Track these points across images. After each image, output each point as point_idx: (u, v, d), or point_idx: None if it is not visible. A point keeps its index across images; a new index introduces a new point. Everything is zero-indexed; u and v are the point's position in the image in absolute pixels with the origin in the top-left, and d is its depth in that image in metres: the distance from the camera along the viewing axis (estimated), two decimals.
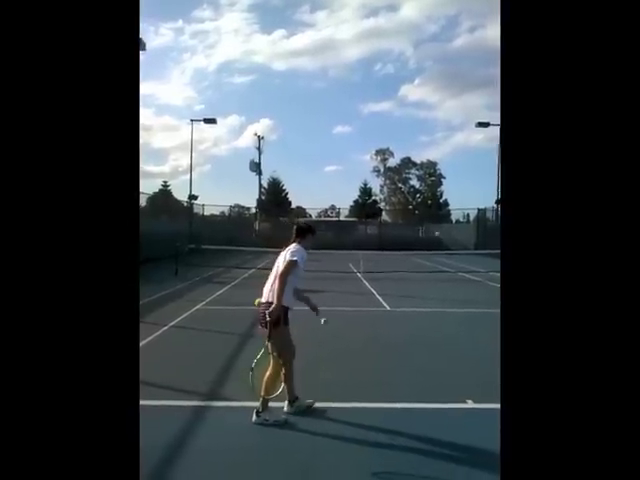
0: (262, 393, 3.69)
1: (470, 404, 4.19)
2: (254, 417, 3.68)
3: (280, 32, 78.62)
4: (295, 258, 3.69)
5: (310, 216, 43.76)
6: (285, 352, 3.75)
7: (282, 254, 3.87)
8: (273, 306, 3.61)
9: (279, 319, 3.64)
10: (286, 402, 3.92)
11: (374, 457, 3.25)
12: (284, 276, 3.65)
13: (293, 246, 3.86)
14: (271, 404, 3.76)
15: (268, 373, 3.74)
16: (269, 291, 3.77)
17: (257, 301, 3.86)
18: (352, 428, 3.67)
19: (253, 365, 3.68)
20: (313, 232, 4.01)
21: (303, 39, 74.14)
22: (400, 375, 5.06)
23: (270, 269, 3.98)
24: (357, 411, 4.00)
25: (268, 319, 3.61)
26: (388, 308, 9.45)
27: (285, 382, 3.79)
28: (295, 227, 4.02)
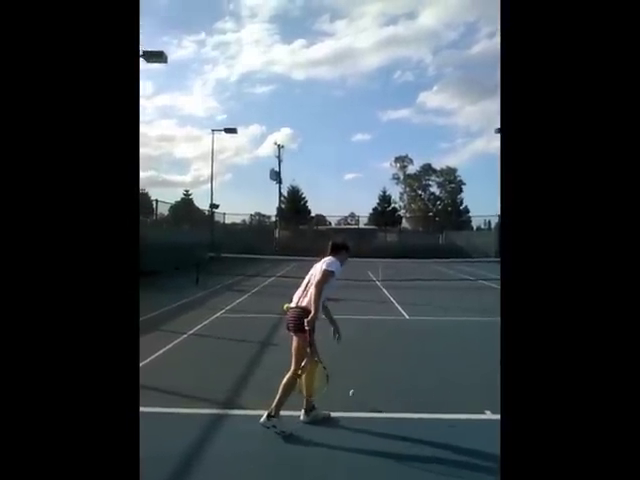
0: (277, 396, 3.72)
1: (488, 415, 4.13)
2: (263, 418, 3.68)
3: (300, 42, 79.60)
4: (332, 269, 3.81)
5: (330, 224, 43.79)
6: (300, 360, 3.78)
7: (317, 265, 3.97)
8: (311, 315, 3.66)
9: (302, 326, 3.68)
10: (302, 411, 3.94)
11: (389, 468, 3.23)
12: (321, 285, 3.72)
13: (329, 258, 3.95)
14: (284, 412, 3.78)
15: (284, 382, 3.77)
16: (301, 297, 3.85)
17: (286, 306, 3.93)
18: (369, 438, 3.66)
19: (300, 373, 3.73)
20: (347, 249, 4.12)
21: (322, 48, 74.57)
22: (418, 385, 5.03)
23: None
24: (374, 421, 3.99)
25: (307, 327, 3.65)
26: (407, 317, 9.40)
27: (285, 390, 3.76)
28: (330, 243, 4.11)
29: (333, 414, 4.02)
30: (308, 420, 3.90)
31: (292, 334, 3.81)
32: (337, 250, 4.05)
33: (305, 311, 3.72)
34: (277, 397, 3.72)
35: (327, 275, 3.78)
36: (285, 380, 3.76)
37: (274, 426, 3.65)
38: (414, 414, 4.15)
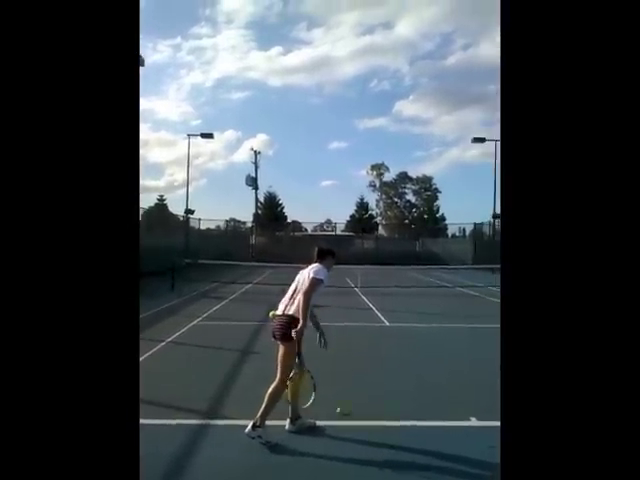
0: (262, 405, 3.64)
1: (474, 422, 4.11)
2: (248, 428, 3.60)
3: (277, 49, 79.81)
4: (320, 277, 3.75)
5: (306, 230, 43.79)
6: (286, 369, 3.70)
7: (304, 272, 3.91)
8: (300, 325, 3.59)
9: (289, 334, 3.61)
10: (287, 420, 3.85)
11: (374, 477, 3.17)
12: (309, 294, 3.66)
13: (316, 265, 3.89)
14: (269, 422, 3.69)
15: (270, 391, 3.68)
16: (287, 304, 3.77)
17: (272, 313, 3.83)
18: (353, 446, 3.59)
19: (288, 383, 3.68)
20: (333, 254, 4.07)
21: (299, 56, 74.58)
22: (402, 392, 4.98)
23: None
24: (358, 429, 3.92)
25: (294, 336, 3.60)
26: (387, 323, 9.38)
27: (271, 399, 3.67)
28: (316, 249, 4.05)
29: (318, 422, 3.94)
30: (294, 429, 3.82)
31: (278, 342, 3.71)
32: (323, 256, 4.00)
33: (292, 319, 3.65)
34: (263, 406, 3.62)
35: (315, 284, 3.72)
36: (271, 389, 3.67)
37: (259, 436, 3.56)
38: (399, 422, 4.09)
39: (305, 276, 3.82)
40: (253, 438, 3.55)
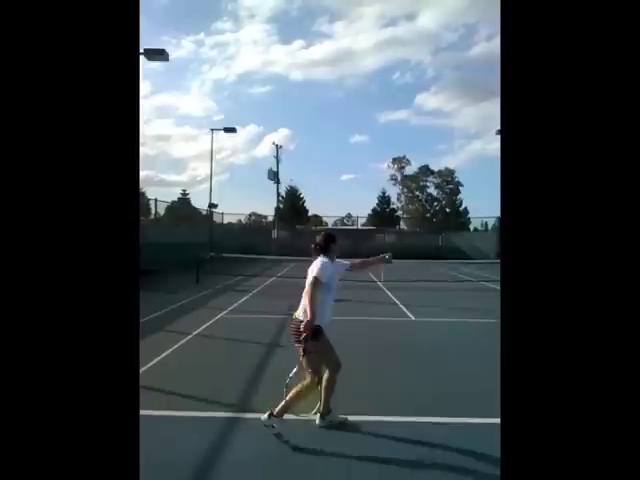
0: (286, 398, 3.64)
1: None
2: (318, 421, 3.75)
3: (298, 43, 79.59)
4: (317, 275, 3.58)
5: (327, 224, 43.74)
6: (329, 365, 3.70)
7: (311, 267, 3.78)
8: (304, 323, 3.52)
9: (315, 335, 3.56)
10: (318, 415, 3.84)
11: (399, 474, 3.14)
12: (310, 293, 3.55)
13: (318, 260, 3.75)
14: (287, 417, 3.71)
15: (298, 388, 3.68)
16: (298, 307, 3.72)
17: (295, 314, 3.78)
18: (380, 442, 3.57)
19: (287, 381, 3.64)
20: (333, 240, 3.87)
21: (321, 49, 74.48)
22: (432, 387, 4.93)
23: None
24: (385, 425, 3.88)
25: (302, 337, 3.56)
26: (413, 318, 9.30)
27: (324, 394, 3.73)
28: (313, 246, 3.87)
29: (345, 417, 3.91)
30: (324, 424, 3.80)
31: (297, 346, 3.68)
32: (325, 249, 3.81)
33: (301, 323, 3.60)
34: (286, 399, 3.63)
35: (314, 284, 3.57)
36: (300, 387, 3.67)
37: (273, 426, 3.59)
38: (426, 417, 4.05)
39: (309, 273, 3.71)
40: (266, 426, 3.59)
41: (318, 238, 3.91)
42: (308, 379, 3.66)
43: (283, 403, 3.62)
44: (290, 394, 3.64)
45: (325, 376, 3.73)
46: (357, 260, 4.09)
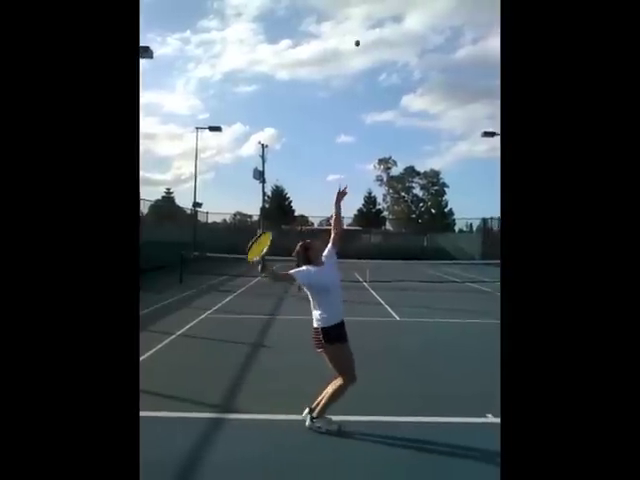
0: (323, 401, 3.73)
1: (490, 418, 4.05)
2: (308, 422, 3.76)
3: (285, 42, 79.65)
4: (292, 273, 3.78)
5: (313, 224, 43.69)
6: (344, 369, 3.71)
7: None
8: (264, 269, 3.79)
9: (327, 338, 3.66)
10: (308, 417, 3.81)
11: (387, 472, 3.12)
12: (292, 276, 3.78)
13: (305, 267, 3.78)
14: (282, 417, 3.66)
15: (333, 388, 3.73)
16: (314, 316, 3.80)
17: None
18: (365, 443, 3.55)
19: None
20: (308, 247, 3.84)
21: (308, 49, 74.46)
22: (417, 387, 4.94)
23: None
24: (371, 425, 3.87)
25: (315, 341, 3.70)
26: (398, 318, 9.33)
27: (326, 399, 3.75)
28: (296, 262, 3.85)
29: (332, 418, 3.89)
30: (312, 427, 3.77)
31: (319, 351, 3.75)
32: (306, 260, 3.81)
33: (316, 330, 3.69)
34: (323, 401, 3.73)
35: (290, 275, 3.82)
36: (334, 387, 3.72)
37: (319, 427, 3.71)
38: (412, 417, 4.04)
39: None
40: (313, 430, 3.71)
41: (297, 248, 3.88)
42: (340, 380, 3.71)
43: (322, 405, 3.73)
44: (326, 394, 3.73)
45: (337, 382, 3.72)
46: (330, 236, 4.03)
